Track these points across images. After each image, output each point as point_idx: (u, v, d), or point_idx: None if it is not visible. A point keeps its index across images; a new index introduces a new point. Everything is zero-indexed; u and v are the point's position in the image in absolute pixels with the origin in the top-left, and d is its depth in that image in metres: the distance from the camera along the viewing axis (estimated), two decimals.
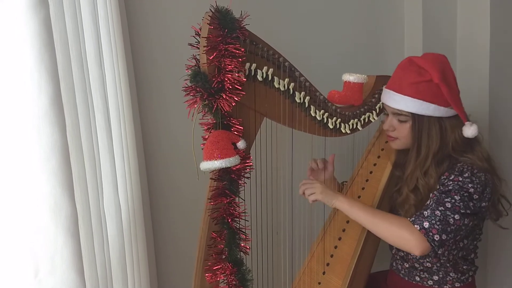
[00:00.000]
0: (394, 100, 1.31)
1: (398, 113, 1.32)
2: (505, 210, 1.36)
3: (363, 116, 1.42)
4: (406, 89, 1.28)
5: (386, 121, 1.37)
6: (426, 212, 1.21)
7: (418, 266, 1.38)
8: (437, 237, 1.18)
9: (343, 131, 1.37)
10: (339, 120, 1.34)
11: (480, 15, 1.80)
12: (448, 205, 1.21)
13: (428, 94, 1.26)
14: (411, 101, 1.27)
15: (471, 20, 1.84)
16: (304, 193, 1.34)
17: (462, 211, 1.20)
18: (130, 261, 1.27)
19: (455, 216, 1.20)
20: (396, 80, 1.32)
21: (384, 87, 1.37)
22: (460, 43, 1.91)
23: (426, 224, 1.19)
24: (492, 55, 1.78)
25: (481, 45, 1.80)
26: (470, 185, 1.23)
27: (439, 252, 1.29)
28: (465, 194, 1.22)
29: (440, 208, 1.21)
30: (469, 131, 1.27)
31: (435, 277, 1.37)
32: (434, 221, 1.19)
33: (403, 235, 1.21)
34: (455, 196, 1.22)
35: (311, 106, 1.25)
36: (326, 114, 1.30)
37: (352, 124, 1.39)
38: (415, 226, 1.20)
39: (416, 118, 1.29)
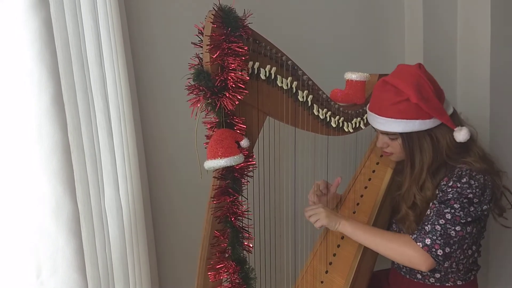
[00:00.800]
0: (379, 123, 1.31)
1: (386, 133, 1.32)
2: (509, 203, 1.36)
3: (365, 115, 1.42)
4: (387, 111, 1.27)
5: (378, 139, 1.37)
6: (427, 227, 1.21)
7: None
8: (440, 252, 1.19)
9: (346, 130, 1.36)
10: (342, 119, 1.34)
11: (481, 13, 1.79)
12: (448, 216, 1.21)
13: (410, 112, 1.25)
14: (395, 122, 1.27)
15: (472, 19, 1.84)
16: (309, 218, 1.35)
17: (462, 221, 1.20)
18: (132, 260, 1.27)
19: (456, 228, 1.20)
20: (376, 102, 1.32)
21: (367, 108, 1.37)
22: (461, 41, 1.90)
23: (428, 241, 1.20)
24: (493, 54, 1.78)
25: (482, 43, 1.80)
26: (468, 191, 1.22)
27: (446, 265, 1.30)
28: (464, 201, 1.22)
29: (440, 222, 1.21)
30: (460, 136, 1.27)
31: (437, 275, 1.37)
32: (435, 237, 1.19)
33: (407, 254, 1.22)
34: (455, 205, 1.21)
35: (314, 105, 1.25)
36: (329, 112, 1.29)
37: (355, 123, 1.39)
38: (418, 243, 1.20)
39: (405, 136, 1.29)
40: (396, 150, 1.34)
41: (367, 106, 1.37)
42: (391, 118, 1.27)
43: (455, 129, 1.27)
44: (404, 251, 1.22)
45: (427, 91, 1.25)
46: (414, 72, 1.28)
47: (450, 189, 1.24)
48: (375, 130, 1.38)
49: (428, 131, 1.28)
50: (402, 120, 1.26)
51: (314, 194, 1.49)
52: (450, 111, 1.31)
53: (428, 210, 1.26)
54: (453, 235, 1.20)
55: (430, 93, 1.26)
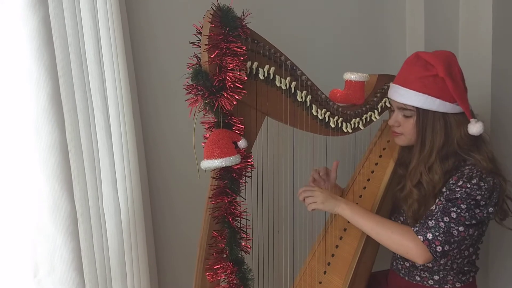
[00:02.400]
0: (400, 94, 1.31)
1: (403, 108, 1.32)
2: (510, 211, 1.36)
3: (364, 115, 1.42)
4: (412, 84, 1.28)
5: (392, 116, 1.37)
6: (431, 223, 1.21)
7: (418, 265, 1.38)
8: (439, 249, 1.19)
9: (345, 130, 1.36)
10: (340, 119, 1.33)
11: (483, 8, 1.79)
12: (454, 215, 1.20)
13: (434, 88, 1.25)
14: (417, 96, 1.27)
15: (473, 14, 1.84)
16: (304, 200, 1.34)
17: (467, 223, 1.20)
18: (130, 259, 1.27)
19: (459, 228, 1.20)
20: (403, 74, 1.32)
21: (391, 82, 1.37)
22: (462, 38, 1.90)
23: (429, 236, 1.19)
24: (494, 49, 1.77)
25: (483, 40, 1.80)
26: (477, 192, 1.22)
27: (442, 262, 1.29)
28: (471, 202, 1.21)
29: (445, 219, 1.20)
30: (474, 128, 1.27)
31: (436, 277, 1.37)
32: (437, 233, 1.19)
33: (405, 245, 1.22)
34: (462, 205, 1.21)
35: (313, 105, 1.25)
36: (328, 113, 1.29)
37: (354, 123, 1.39)
38: (419, 237, 1.20)
39: (420, 113, 1.29)
40: (406, 130, 1.34)
41: (387, 84, 1.38)
42: (414, 90, 1.27)
43: (471, 120, 1.27)
44: (403, 242, 1.22)
45: (456, 74, 1.27)
46: (448, 54, 1.30)
47: (458, 189, 1.24)
48: (391, 109, 1.37)
49: (444, 115, 1.28)
50: (424, 94, 1.26)
51: (312, 179, 1.48)
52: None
53: (434, 206, 1.26)
54: (455, 234, 1.20)
55: (458, 76, 1.27)
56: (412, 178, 1.34)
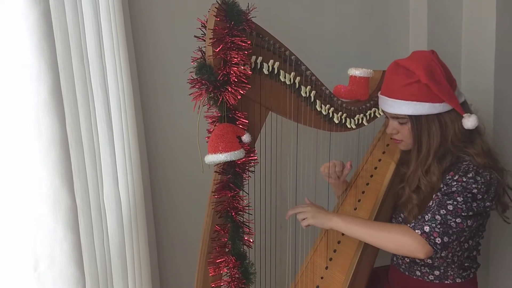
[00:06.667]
0: (389, 105, 1.31)
1: (396, 117, 1.32)
2: (511, 201, 1.36)
3: (368, 111, 1.42)
4: (397, 93, 1.28)
5: (388, 125, 1.37)
6: (427, 216, 1.21)
7: (419, 261, 1.38)
8: (438, 240, 1.18)
9: (349, 126, 1.36)
10: (344, 115, 1.33)
11: (486, 6, 1.78)
12: (450, 207, 1.20)
13: (420, 94, 1.25)
14: (405, 104, 1.27)
15: (477, 12, 1.83)
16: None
17: (464, 214, 1.20)
18: (131, 254, 1.27)
19: (456, 220, 1.19)
20: (387, 85, 1.33)
21: (379, 93, 1.37)
22: (466, 35, 1.89)
23: (426, 228, 1.19)
24: (498, 46, 1.76)
25: (487, 36, 1.79)
26: (473, 186, 1.22)
27: (443, 254, 1.29)
28: (468, 195, 1.21)
29: (441, 212, 1.20)
30: (469, 122, 1.26)
31: (436, 272, 1.37)
32: (434, 225, 1.19)
33: (404, 242, 1.21)
34: (458, 198, 1.21)
35: (317, 101, 1.25)
36: (332, 108, 1.29)
37: (358, 119, 1.38)
38: (416, 231, 1.20)
39: (413, 119, 1.29)
40: (405, 136, 1.34)
41: (379, 92, 1.37)
42: (402, 100, 1.27)
43: (464, 115, 1.27)
44: (402, 240, 1.21)
45: (438, 75, 1.26)
46: (426, 55, 1.29)
47: (455, 183, 1.24)
48: (385, 115, 1.38)
49: (438, 116, 1.27)
50: (412, 102, 1.26)
51: (327, 175, 1.48)
52: (461, 100, 1.30)
53: (431, 201, 1.26)
54: (453, 226, 1.19)
55: (441, 76, 1.26)
56: (410, 184, 1.35)
